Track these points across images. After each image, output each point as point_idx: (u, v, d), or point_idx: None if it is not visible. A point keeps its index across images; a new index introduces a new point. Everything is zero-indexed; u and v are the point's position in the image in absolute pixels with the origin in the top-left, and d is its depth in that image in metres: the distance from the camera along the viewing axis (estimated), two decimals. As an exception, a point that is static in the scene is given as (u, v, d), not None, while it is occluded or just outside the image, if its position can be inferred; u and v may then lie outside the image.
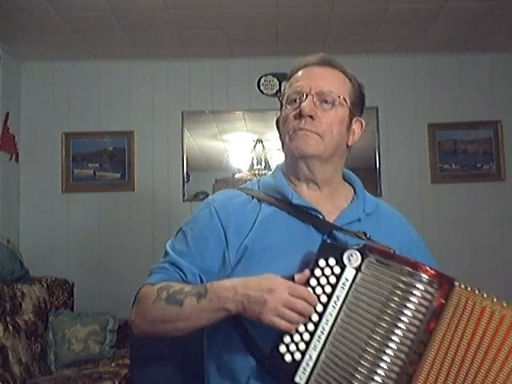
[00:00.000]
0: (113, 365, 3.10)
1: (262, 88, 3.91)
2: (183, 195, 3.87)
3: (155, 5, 3.09)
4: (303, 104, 1.15)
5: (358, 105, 1.24)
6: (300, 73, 1.22)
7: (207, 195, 3.85)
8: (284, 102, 1.22)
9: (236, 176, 3.89)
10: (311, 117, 1.15)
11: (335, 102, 1.17)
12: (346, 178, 1.31)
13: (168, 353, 1.30)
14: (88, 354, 3.19)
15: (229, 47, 3.77)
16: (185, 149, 3.90)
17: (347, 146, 1.25)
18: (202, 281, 1.16)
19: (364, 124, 1.26)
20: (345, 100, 1.19)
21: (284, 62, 3.68)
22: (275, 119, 1.27)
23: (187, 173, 3.90)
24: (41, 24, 3.33)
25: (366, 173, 3.92)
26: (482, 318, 0.93)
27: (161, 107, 3.95)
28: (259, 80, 3.91)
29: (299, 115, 1.16)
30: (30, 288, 3.15)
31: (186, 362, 1.31)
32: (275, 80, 3.87)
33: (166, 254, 1.21)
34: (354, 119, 1.23)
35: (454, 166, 3.89)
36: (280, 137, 1.25)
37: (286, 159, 1.26)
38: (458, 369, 0.93)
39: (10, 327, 2.87)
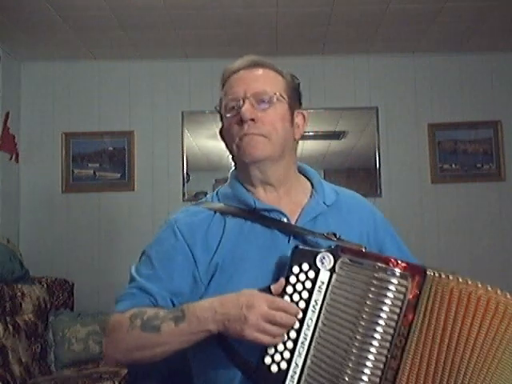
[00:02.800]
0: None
1: (262, 88, 3.91)
2: (183, 195, 3.87)
3: (155, 5, 3.09)
4: (242, 109, 1.15)
5: (296, 98, 1.24)
6: (232, 79, 1.21)
7: (207, 195, 3.85)
8: (223, 112, 1.21)
9: (236, 176, 3.89)
10: (253, 120, 1.15)
11: (272, 100, 1.17)
12: (301, 172, 1.30)
13: (155, 367, 1.29)
14: (88, 354, 3.18)
15: (229, 47, 3.77)
16: (185, 149, 3.90)
17: (295, 140, 1.25)
18: (173, 304, 1.13)
19: (307, 116, 1.26)
20: (281, 96, 1.19)
21: (284, 62, 3.67)
22: (218, 130, 1.26)
23: (187, 173, 3.90)
24: (41, 24, 3.33)
25: (365, 173, 3.93)
26: (461, 301, 0.94)
27: (161, 107, 3.95)
28: (259, 80, 3.91)
29: (241, 121, 1.15)
30: (30, 288, 3.15)
31: (173, 376, 1.29)
32: (275, 80, 3.87)
33: (132, 279, 1.17)
34: (295, 113, 1.23)
35: (454, 166, 3.89)
36: (226, 147, 1.24)
37: (236, 167, 1.26)
38: (440, 356, 0.93)
39: (10, 327, 2.87)
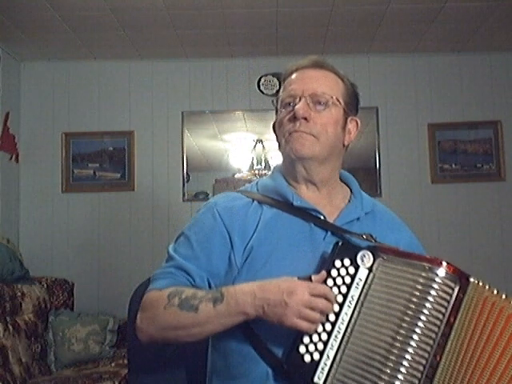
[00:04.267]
0: (113, 365, 3.10)
1: (262, 88, 3.91)
2: (183, 195, 3.87)
3: (155, 5, 3.10)
4: (297, 106, 1.17)
5: (353, 104, 1.26)
6: (293, 76, 1.24)
7: (207, 195, 3.85)
8: (279, 106, 1.24)
9: (236, 176, 3.89)
10: (305, 119, 1.17)
11: (329, 103, 1.19)
12: (342, 179, 1.32)
13: (168, 365, 1.29)
14: (88, 354, 3.19)
15: (229, 47, 3.77)
16: (185, 149, 3.90)
17: (344, 146, 1.27)
18: (209, 285, 1.16)
19: (359, 123, 1.28)
20: (338, 100, 1.21)
21: (284, 62, 3.65)
22: (272, 123, 1.29)
23: (187, 173, 3.90)
24: (41, 24, 3.33)
25: (366, 173, 3.93)
26: (492, 312, 0.98)
27: (161, 107, 3.95)
28: (259, 80, 3.91)
29: (294, 118, 1.18)
30: (30, 288, 3.15)
31: (187, 376, 1.30)
32: (275, 80, 3.87)
33: (170, 258, 1.19)
34: (349, 119, 1.25)
35: (453, 166, 3.89)
36: (277, 139, 1.26)
37: (283, 161, 1.28)
38: (465, 359, 0.98)
39: (10, 327, 2.87)
